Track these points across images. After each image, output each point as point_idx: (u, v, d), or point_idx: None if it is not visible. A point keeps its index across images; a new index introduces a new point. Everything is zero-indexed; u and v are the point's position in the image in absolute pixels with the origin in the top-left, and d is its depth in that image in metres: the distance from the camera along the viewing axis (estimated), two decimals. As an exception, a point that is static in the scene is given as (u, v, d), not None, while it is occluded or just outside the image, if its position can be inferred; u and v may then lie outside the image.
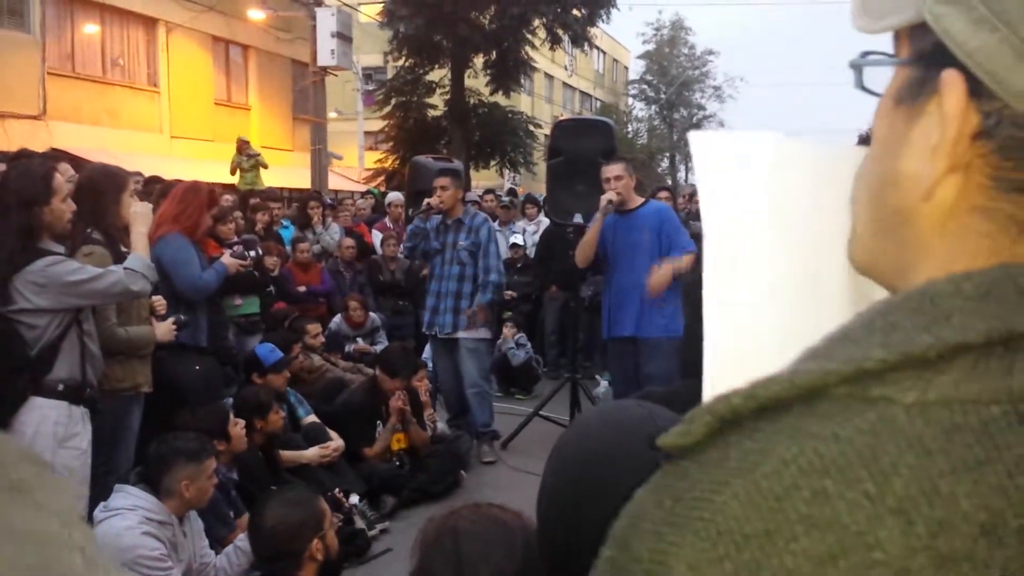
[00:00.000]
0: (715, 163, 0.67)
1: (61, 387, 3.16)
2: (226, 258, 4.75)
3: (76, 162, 15.06)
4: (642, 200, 5.75)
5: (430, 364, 7.88)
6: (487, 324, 6.31)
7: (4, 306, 3.06)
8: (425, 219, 6.15)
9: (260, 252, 5.54)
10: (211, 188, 4.96)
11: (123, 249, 3.65)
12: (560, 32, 20.37)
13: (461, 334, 6.07)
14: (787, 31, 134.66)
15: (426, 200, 6.13)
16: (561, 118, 8.37)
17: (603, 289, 5.88)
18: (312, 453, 4.83)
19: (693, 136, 0.68)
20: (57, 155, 4.77)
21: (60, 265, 3.13)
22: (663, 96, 49.97)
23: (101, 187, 3.74)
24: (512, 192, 15.13)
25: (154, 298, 3.92)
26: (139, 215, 3.53)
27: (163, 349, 4.05)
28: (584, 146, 6.28)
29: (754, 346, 0.65)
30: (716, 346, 0.66)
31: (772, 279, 0.66)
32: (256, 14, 19.39)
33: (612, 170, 5.59)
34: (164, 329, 3.91)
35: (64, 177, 4.08)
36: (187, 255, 4.48)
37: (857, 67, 0.58)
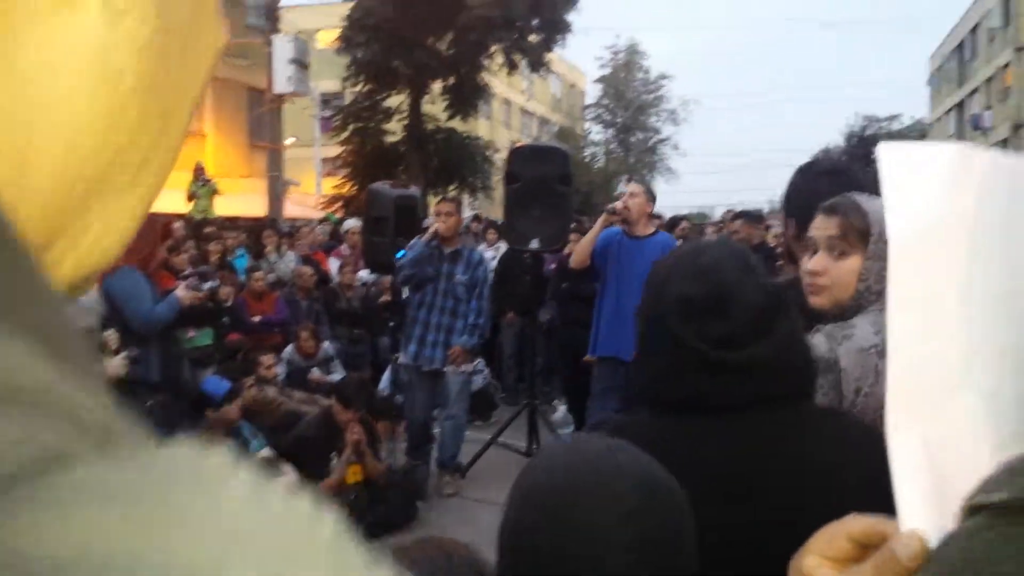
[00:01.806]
0: (903, 175, 0.64)
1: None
2: (180, 290, 4.69)
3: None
4: (653, 230, 5.67)
5: (386, 394, 7.85)
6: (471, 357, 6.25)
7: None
8: (428, 245, 5.89)
9: (215, 284, 5.47)
10: (166, 221, 4.91)
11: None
12: (517, 58, 20.52)
13: (449, 369, 5.94)
14: (738, 55, 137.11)
15: (434, 225, 5.93)
16: (518, 144, 8.42)
17: (597, 305, 5.75)
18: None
19: (883, 147, 0.65)
20: None
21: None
22: (619, 120, 50.53)
23: None
24: (476, 218, 15.17)
25: (105, 333, 3.85)
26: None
27: (115, 383, 3.98)
28: (541, 172, 6.30)
29: (939, 363, 0.63)
30: (900, 361, 0.63)
31: (962, 294, 0.64)
32: (211, 41, 19.24)
33: (631, 187, 5.69)
34: (115, 364, 3.84)
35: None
36: (139, 289, 4.42)
37: None
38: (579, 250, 5.72)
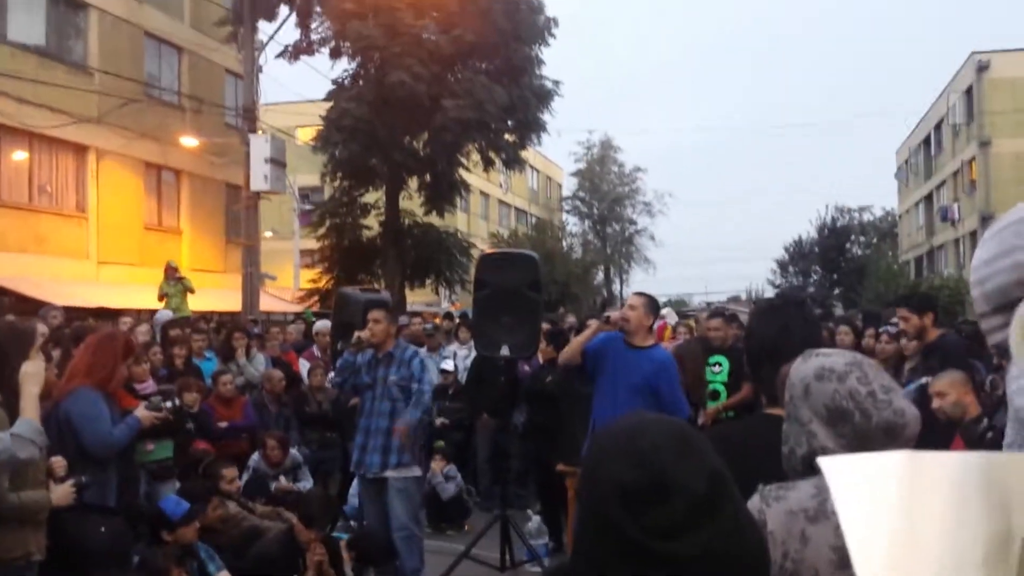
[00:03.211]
0: (850, 487, 0.69)
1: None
2: (140, 411, 4.56)
3: (-1, 292, 14.63)
4: (652, 343, 5.59)
5: (356, 501, 7.64)
6: (415, 457, 6.10)
7: None
8: (355, 352, 6.00)
9: (177, 402, 5.31)
10: (127, 338, 4.80)
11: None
12: (493, 155, 20.85)
13: (390, 473, 5.84)
14: (711, 151, 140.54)
15: (356, 333, 5.98)
16: (487, 251, 8.46)
17: (593, 411, 5.54)
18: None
19: (824, 462, 0.71)
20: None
21: (-57, 436, 2.95)
22: (596, 211, 51.24)
23: (6, 346, 3.58)
24: (448, 316, 15.12)
25: (52, 459, 3.71)
26: (29, 375, 3.36)
27: (66, 510, 3.82)
28: (509, 279, 6.30)
29: None
30: None
31: None
32: (189, 140, 19.49)
33: (632, 299, 5.67)
34: (62, 492, 3.69)
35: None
36: (97, 410, 4.29)
37: None
38: (570, 349, 5.63)
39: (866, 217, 54.15)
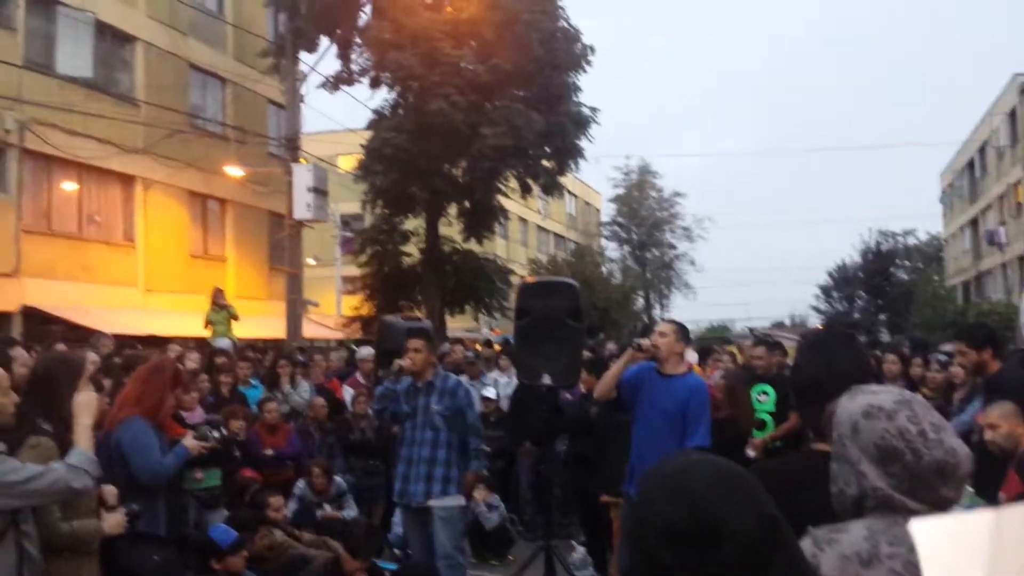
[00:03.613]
0: (939, 547, 0.70)
1: (-4, 595, 2.98)
2: (188, 441, 4.62)
3: (48, 319, 15.01)
4: (685, 370, 5.52)
5: (399, 529, 7.63)
6: (459, 486, 6.07)
7: (-59, 511, 2.91)
8: (395, 381, 5.99)
9: (224, 431, 5.35)
10: (175, 367, 4.87)
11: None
12: (531, 182, 20.93)
13: (434, 502, 5.80)
14: (751, 175, 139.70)
15: (396, 361, 5.97)
16: (528, 279, 8.46)
17: (633, 441, 5.55)
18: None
19: (915, 526, 0.73)
20: (5, 341, 4.68)
21: (-1, 465, 3.00)
22: (635, 236, 51.11)
23: (56, 377, 3.65)
24: (488, 343, 15.14)
25: (104, 488, 3.76)
26: (83, 406, 3.42)
27: (119, 538, 3.87)
28: (550, 307, 6.30)
29: None
30: None
31: None
32: (234, 170, 19.85)
33: (662, 325, 5.65)
34: (113, 521, 3.73)
35: (18, 362, 4.02)
36: (147, 440, 4.36)
37: None
38: (603, 383, 5.60)
39: (910, 241, 53.42)
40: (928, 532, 0.69)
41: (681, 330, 5.59)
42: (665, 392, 5.31)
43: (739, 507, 1.20)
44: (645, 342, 5.48)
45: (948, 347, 9.45)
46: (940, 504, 1.62)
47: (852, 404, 1.76)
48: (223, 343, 11.39)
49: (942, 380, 7.01)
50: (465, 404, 5.95)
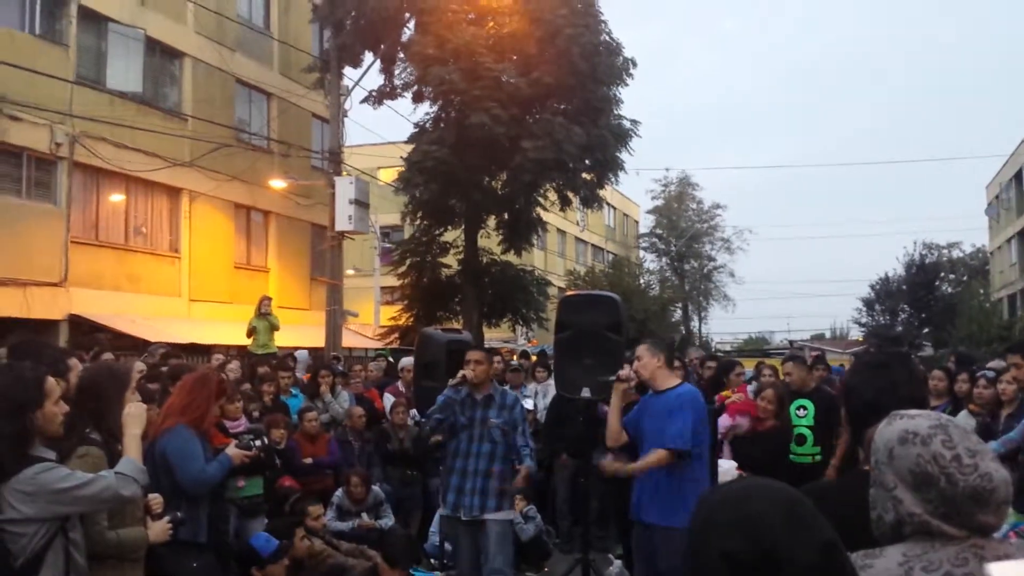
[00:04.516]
0: None
1: (44, 601, 3.05)
2: (231, 450, 4.70)
3: (94, 327, 15.32)
4: (675, 383, 5.44)
5: (436, 539, 7.67)
6: (511, 500, 6.09)
7: (-8, 517, 3.00)
8: (457, 391, 5.98)
9: (266, 440, 5.41)
10: (220, 377, 4.97)
11: (121, 447, 3.62)
12: (570, 194, 20.93)
13: (488, 516, 5.81)
14: (792, 187, 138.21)
15: (462, 372, 5.96)
16: (568, 292, 8.46)
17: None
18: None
19: (993, 568, 0.73)
20: (63, 352, 4.80)
21: (49, 473, 3.08)
22: (673, 248, 50.85)
23: (104, 387, 3.74)
24: (524, 354, 15.15)
25: (150, 496, 3.84)
26: (132, 416, 3.52)
27: (162, 546, 3.95)
28: (590, 320, 6.29)
29: None
30: None
31: None
32: (278, 183, 20.14)
33: (638, 350, 5.52)
34: (159, 529, 3.81)
35: (74, 372, 4.13)
36: (192, 448, 4.45)
37: None
38: (609, 432, 5.49)
39: (955, 254, 52.48)
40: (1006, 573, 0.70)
41: (653, 344, 5.52)
42: (656, 408, 5.28)
43: (799, 534, 1.19)
44: (623, 372, 5.40)
45: (994, 363, 9.26)
46: (980, 529, 1.61)
47: (889, 429, 1.76)
48: (302, 356, 11.79)
49: (989, 397, 6.88)
50: (520, 419, 6.03)
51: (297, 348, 16.40)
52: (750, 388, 8.22)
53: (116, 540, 3.59)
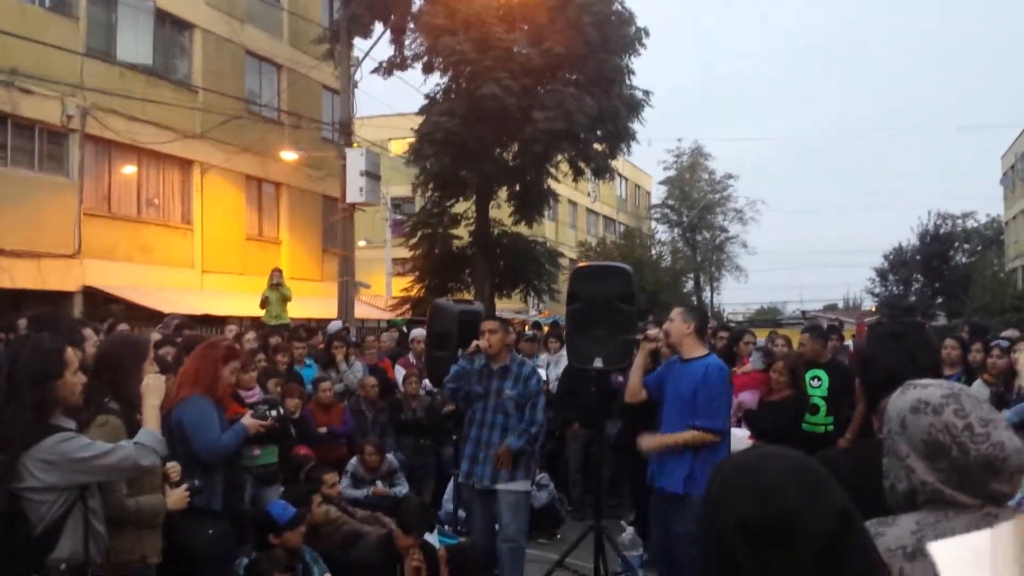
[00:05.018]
0: (958, 564, 0.74)
1: (63, 567, 3.10)
2: (247, 419, 4.75)
3: (107, 299, 15.41)
4: (702, 353, 5.38)
5: (450, 506, 7.74)
6: (528, 471, 6.08)
7: (13, 484, 3.04)
8: (471, 361, 6.00)
9: (281, 410, 5.44)
10: (229, 343, 5.00)
11: (139, 417, 3.66)
12: (582, 165, 20.85)
13: (501, 486, 5.82)
14: (805, 157, 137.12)
15: (475, 342, 5.98)
16: (580, 263, 8.45)
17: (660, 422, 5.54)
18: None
19: (933, 547, 0.77)
20: (77, 323, 4.84)
21: (70, 442, 3.12)
22: (685, 219, 50.66)
23: (122, 357, 3.78)
24: (536, 325, 15.17)
25: (168, 465, 3.88)
26: (151, 387, 3.56)
27: (178, 513, 4.00)
28: (602, 291, 6.26)
29: None
30: None
31: None
32: (288, 155, 20.13)
33: (672, 312, 5.55)
34: (176, 497, 3.86)
35: (89, 342, 4.17)
36: (208, 418, 4.49)
37: None
38: (630, 385, 5.56)
39: (970, 224, 52.06)
40: (944, 551, 0.74)
41: (688, 311, 5.52)
42: (682, 376, 5.27)
43: (814, 501, 1.20)
44: (652, 331, 5.41)
45: (1008, 333, 9.24)
46: (993, 498, 1.61)
47: (902, 399, 1.77)
48: (335, 326, 11.99)
49: (1004, 366, 6.86)
50: (535, 391, 5.96)
51: (310, 319, 16.51)
52: (752, 358, 8.21)
53: (135, 507, 3.64)
